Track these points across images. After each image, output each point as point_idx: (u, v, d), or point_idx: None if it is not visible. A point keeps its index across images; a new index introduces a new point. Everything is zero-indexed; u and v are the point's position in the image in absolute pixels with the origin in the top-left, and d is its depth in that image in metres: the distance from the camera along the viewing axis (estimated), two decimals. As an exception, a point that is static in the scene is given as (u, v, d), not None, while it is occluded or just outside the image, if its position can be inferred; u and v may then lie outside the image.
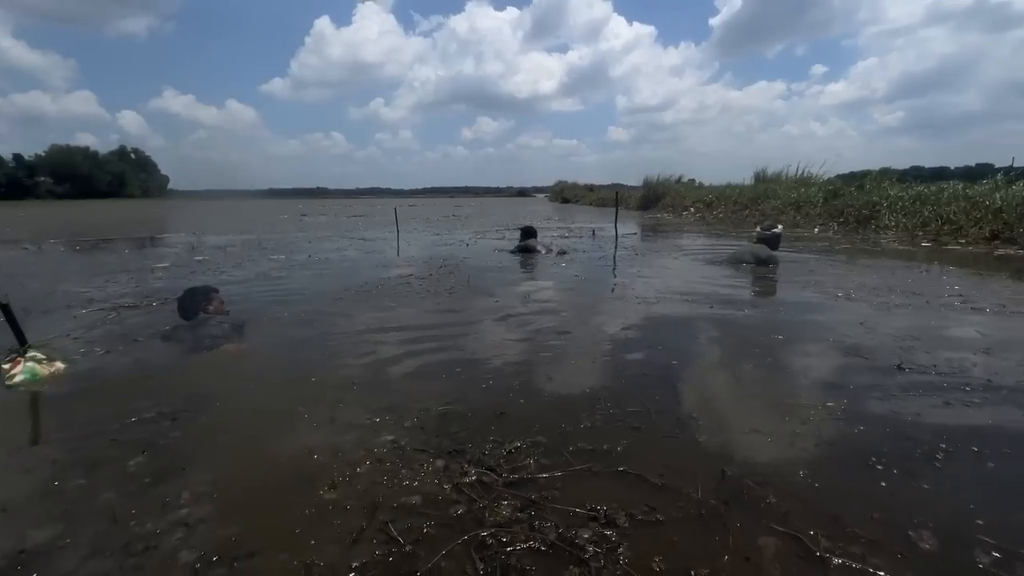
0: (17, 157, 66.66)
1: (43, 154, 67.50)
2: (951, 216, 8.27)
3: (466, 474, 1.61)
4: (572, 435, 1.87)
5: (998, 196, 8.01)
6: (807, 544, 1.29)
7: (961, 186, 9.55)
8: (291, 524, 1.38)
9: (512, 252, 7.36)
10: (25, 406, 2.27)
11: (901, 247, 7.63)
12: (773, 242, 6.25)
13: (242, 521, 1.40)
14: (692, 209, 16.16)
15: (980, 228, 7.63)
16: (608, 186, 23.48)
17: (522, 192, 64.63)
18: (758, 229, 6.61)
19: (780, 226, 6.66)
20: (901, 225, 8.94)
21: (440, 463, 1.69)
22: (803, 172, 14.40)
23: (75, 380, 2.50)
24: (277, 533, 1.35)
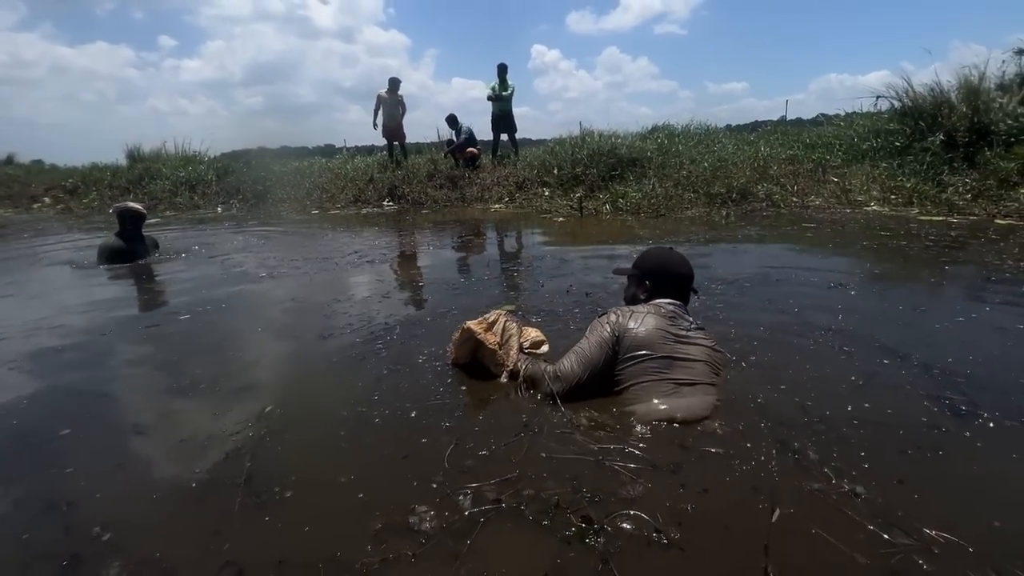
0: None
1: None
2: (327, 186, 9.81)
3: None
4: None
5: (349, 167, 10.39)
6: None
7: (325, 161, 11.65)
8: None
9: None
10: None
11: (297, 216, 8.34)
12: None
13: None
14: (48, 199, 11.86)
15: (347, 194, 9.45)
16: None
17: None
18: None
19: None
20: (292, 197, 9.79)
21: None
22: (185, 150, 13.29)
23: None
24: None
